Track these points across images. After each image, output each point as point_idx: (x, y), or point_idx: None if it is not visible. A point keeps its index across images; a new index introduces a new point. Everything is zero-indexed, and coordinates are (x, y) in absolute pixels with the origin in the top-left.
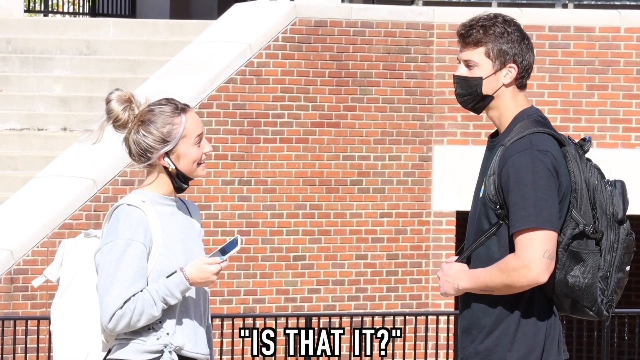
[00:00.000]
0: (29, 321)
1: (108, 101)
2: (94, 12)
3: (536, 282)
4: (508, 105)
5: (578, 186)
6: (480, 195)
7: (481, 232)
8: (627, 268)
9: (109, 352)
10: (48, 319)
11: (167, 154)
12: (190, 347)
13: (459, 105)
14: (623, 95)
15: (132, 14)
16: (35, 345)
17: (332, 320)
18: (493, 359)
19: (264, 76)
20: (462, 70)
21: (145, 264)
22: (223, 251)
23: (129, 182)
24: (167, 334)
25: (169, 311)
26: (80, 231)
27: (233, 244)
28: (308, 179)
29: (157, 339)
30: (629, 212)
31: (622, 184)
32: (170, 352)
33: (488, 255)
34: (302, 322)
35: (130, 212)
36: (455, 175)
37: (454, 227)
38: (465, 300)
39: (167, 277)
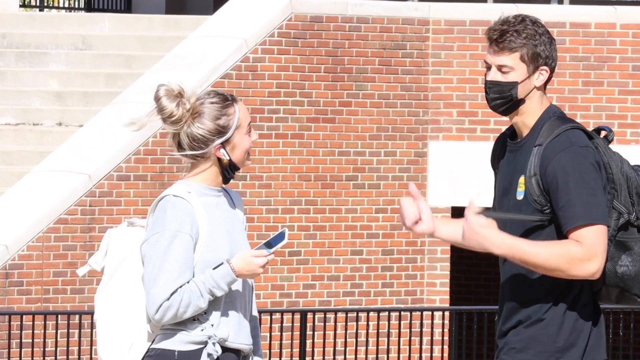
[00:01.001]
0: (24, 316)
1: (158, 98)
2: (89, 7)
3: (593, 276)
4: (535, 107)
5: (615, 177)
6: (520, 198)
7: (527, 234)
8: None
9: (152, 341)
10: (43, 314)
11: (222, 145)
12: (233, 338)
13: (456, 101)
14: (618, 91)
15: (127, 9)
16: (30, 340)
17: (327, 315)
18: (534, 347)
19: (259, 71)
20: (496, 75)
21: (192, 256)
22: (269, 244)
23: (125, 177)
24: (212, 325)
25: (214, 303)
26: (75, 226)
27: (280, 237)
28: (303, 175)
29: (202, 330)
30: None
31: None
32: (214, 343)
33: None
34: (297, 317)
35: (176, 203)
36: (451, 171)
37: None
38: (509, 288)
39: (214, 268)
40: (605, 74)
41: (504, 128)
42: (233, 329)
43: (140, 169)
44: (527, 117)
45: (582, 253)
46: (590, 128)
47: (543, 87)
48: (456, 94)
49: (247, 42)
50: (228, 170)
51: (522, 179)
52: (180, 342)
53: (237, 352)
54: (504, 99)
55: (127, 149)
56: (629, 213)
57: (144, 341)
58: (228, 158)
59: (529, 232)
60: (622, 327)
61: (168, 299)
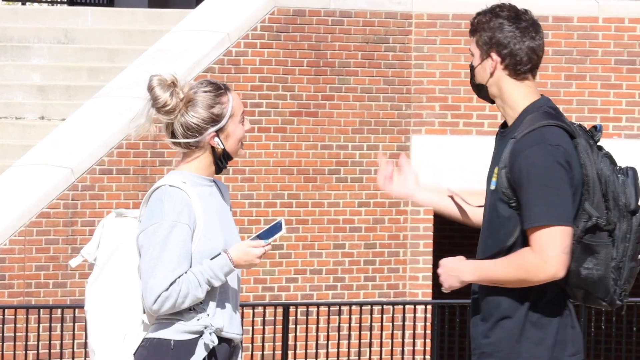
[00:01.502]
0: (5, 310)
1: (151, 88)
2: (72, 1)
3: (554, 277)
4: (510, 96)
5: (590, 179)
6: (493, 187)
7: (492, 225)
8: None
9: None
10: (25, 307)
11: (216, 133)
12: (227, 328)
13: (439, 95)
14: (601, 85)
15: (110, 2)
16: (12, 334)
17: (309, 309)
18: (503, 349)
19: (242, 65)
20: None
21: (189, 246)
22: (261, 236)
23: (107, 170)
24: (208, 315)
25: (210, 293)
26: (58, 220)
27: (277, 227)
28: (286, 168)
29: (198, 319)
30: None
31: (634, 172)
32: (210, 333)
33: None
34: (279, 311)
35: (173, 194)
36: (433, 165)
37: (432, 217)
38: (476, 290)
39: (212, 259)
40: (587, 68)
41: (486, 122)
42: (227, 318)
43: (122, 163)
44: (506, 106)
45: (534, 259)
46: (573, 121)
47: (510, 76)
48: (439, 87)
49: (230, 35)
50: (221, 160)
51: (496, 169)
52: (176, 331)
53: (228, 341)
54: (472, 83)
55: (110, 143)
56: (598, 217)
57: (138, 332)
58: (222, 147)
59: (506, 233)
60: (604, 320)
61: (167, 289)
